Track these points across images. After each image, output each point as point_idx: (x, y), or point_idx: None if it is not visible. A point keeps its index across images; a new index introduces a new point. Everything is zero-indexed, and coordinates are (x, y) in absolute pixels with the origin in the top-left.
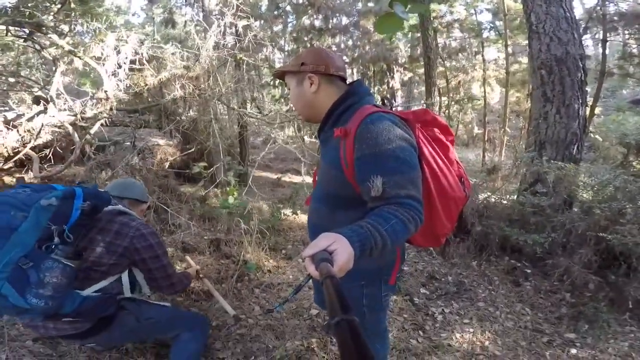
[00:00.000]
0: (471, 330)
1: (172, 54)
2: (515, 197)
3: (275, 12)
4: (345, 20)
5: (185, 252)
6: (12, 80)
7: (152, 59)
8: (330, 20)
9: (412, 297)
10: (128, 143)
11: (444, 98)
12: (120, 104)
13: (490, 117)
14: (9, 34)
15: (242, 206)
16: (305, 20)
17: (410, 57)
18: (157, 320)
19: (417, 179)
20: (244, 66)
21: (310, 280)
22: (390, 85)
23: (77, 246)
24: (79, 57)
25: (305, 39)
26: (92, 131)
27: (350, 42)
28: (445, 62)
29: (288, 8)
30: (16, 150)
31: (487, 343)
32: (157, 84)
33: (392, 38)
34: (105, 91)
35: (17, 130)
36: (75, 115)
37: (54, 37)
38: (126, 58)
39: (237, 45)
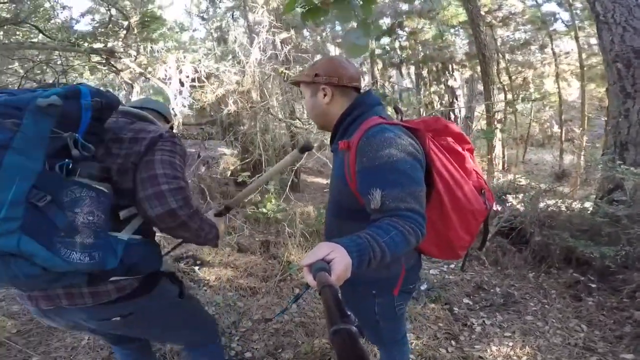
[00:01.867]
0: (510, 344)
1: (224, 70)
2: (589, 204)
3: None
4: (387, 22)
5: (240, 252)
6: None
7: (209, 76)
8: (372, 23)
9: (452, 307)
10: (195, 152)
11: (507, 96)
12: (188, 118)
13: (572, 113)
14: (90, 60)
15: (278, 212)
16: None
17: (468, 54)
18: (194, 308)
19: (418, 192)
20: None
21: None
22: (449, 84)
23: (101, 161)
24: (148, 78)
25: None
26: None
27: (397, 44)
28: (507, 57)
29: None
30: None
31: (524, 358)
32: (215, 99)
33: (443, 36)
34: (172, 108)
35: None
36: None
37: (127, 60)
38: (187, 77)
39: (278, 58)
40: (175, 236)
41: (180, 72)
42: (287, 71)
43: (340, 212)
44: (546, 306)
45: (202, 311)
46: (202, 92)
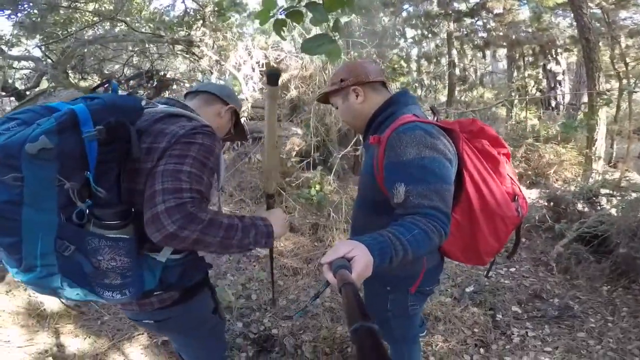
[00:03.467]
0: None
1: (286, 57)
2: None
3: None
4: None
5: (291, 231)
6: (187, 85)
7: (280, 61)
8: (448, 5)
9: (496, 313)
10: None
11: (621, 84)
12: (260, 102)
13: None
14: (174, 49)
15: (318, 199)
16: (419, 7)
17: (573, 38)
18: (219, 328)
19: (444, 191)
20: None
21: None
22: (549, 68)
23: (116, 199)
24: (222, 64)
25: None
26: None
27: (480, 23)
28: (627, 42)
29: None
30: None
31: None
32: (281, 83)
33: (540, 18)
34: (243, 93)
35: None
36: None
37: (204, 49)
38: (257, 62)
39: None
40: (203, 251)
41: (251, 57)
42: (343, 57)
43: (367, 206)
44: (609, 324)
45: (223, 335)
46: None
